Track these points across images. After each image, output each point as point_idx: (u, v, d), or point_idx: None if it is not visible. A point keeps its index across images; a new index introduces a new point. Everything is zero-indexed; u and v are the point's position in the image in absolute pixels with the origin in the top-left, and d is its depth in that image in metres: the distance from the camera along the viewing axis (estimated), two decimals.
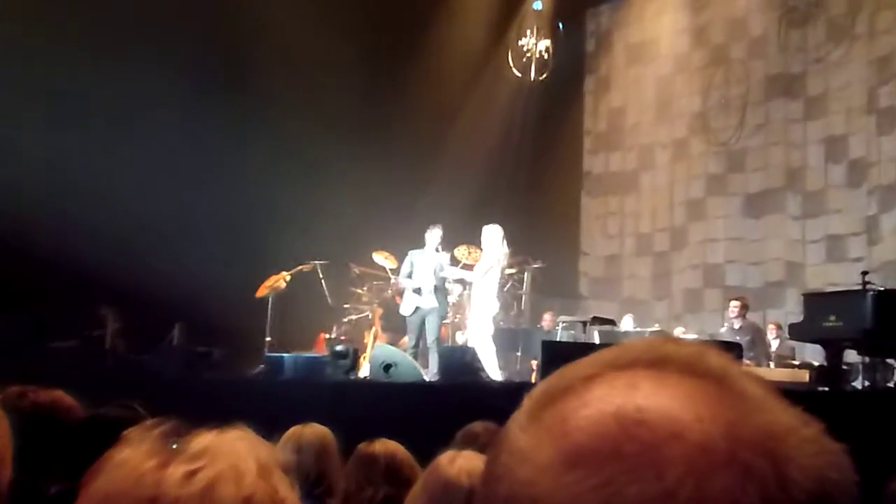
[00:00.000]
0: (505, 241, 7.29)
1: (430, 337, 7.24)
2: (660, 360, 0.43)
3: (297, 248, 8.67)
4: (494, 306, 7.23)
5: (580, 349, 5.32)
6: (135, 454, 0.66)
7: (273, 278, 8.45)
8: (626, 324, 9.02)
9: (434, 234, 7.40)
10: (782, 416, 0.41)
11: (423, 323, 7.32)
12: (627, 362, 0.44)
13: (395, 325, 7.95)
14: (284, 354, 6.66)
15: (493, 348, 7.05)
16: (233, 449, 0.68)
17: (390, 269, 8.74)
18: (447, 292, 7.78)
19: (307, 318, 8.76)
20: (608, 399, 0.42)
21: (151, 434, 0.68)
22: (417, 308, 7.31)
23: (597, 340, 7.87)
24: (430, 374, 6.75)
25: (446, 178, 9.99)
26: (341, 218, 9.23)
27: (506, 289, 8.60)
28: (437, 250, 7.41)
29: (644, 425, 0.40)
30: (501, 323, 8.21)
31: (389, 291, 8.80)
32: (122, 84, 8.05)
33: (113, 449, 0.67)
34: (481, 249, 7.66)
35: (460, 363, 6.08)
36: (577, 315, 9.41)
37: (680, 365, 0.43)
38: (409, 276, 7.45)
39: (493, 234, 7.26)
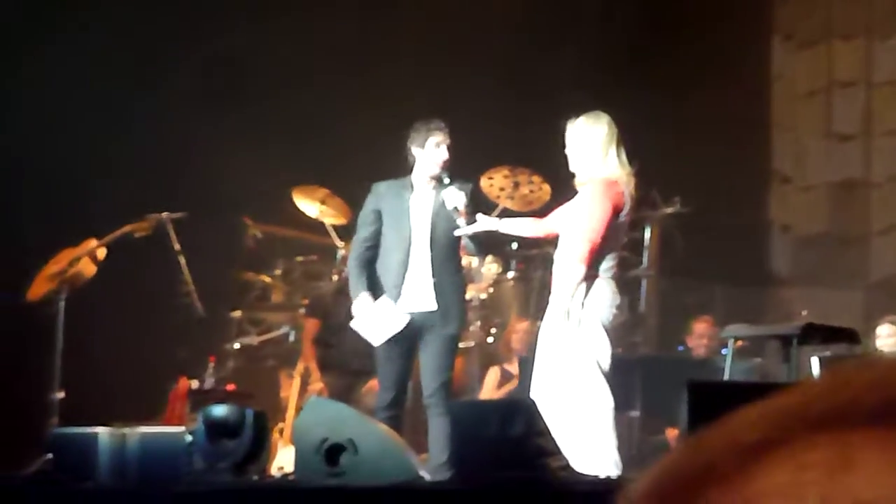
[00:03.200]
0: (623, 154, 7.54)
1: (432, 382, 7.60)
2: None
3: (125, 191, 9.41)
4: (607, 305, 7.47)
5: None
6: None
7: (67, 256, 8.83)
8: (885, 336, 9.30)
9: (430, 146, 7.65)
10: None
11: (410, 350, 7.63)
12: (834, 412, 0.51)
13: (347, 356, 8.15)
14: (97, 430, 6.88)
15: (609, 404, 7.16)
16: None
17: (333, 227, 9.33)
18: (469, 277, 8.41)
19: (147, 344, 9.25)
20: (793, 492, 0.49)
21: None
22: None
23: (815, 376, 7.69)
24: (431, 463, 7.24)
25: (452, 24, 10.78)
26: (224, 128, 9.79)
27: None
28: (440, 181, 7.63)
29: None
30: None
31: (335, 278, 9.20)
32: None
33: None
34: (538, 180, 8.37)
35: (502, 440, 6.23)
36: (766, 322, 9.75)
37: None
38: (371, 243, 7.64)
39: (593, 139, 7.45)
